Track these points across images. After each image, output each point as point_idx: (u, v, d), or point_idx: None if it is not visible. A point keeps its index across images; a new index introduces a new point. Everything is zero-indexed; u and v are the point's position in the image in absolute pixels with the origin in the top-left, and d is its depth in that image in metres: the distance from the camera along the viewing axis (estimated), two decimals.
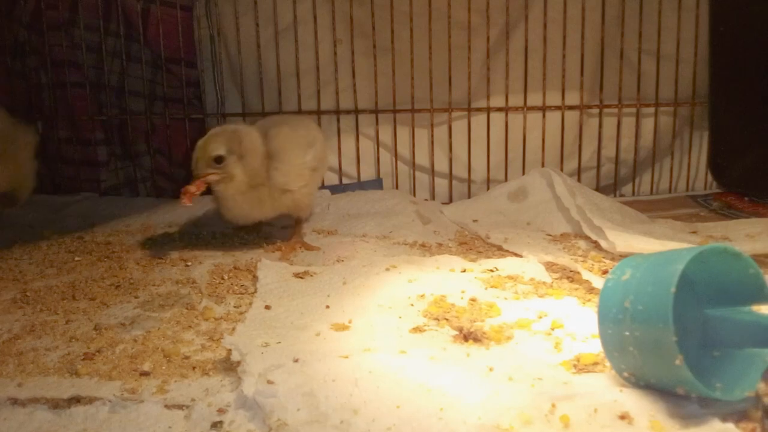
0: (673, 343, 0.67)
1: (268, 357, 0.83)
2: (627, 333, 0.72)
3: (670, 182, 1.89)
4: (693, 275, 0.80)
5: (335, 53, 1.82)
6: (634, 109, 1.85)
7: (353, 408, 0.71)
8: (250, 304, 1.07)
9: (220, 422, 0.72)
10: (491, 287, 1.11)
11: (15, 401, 0.79)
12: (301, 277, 1.19)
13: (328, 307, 1.04)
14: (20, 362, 0.90)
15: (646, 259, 0.77)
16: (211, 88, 1.88)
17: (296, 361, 0.82)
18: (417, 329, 0.94)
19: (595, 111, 1.86)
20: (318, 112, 1.83)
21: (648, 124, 1.87)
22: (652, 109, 1.85)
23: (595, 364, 0.82)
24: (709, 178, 1.88)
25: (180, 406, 0.77)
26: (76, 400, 0.78)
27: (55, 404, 0.78)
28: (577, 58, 1.81)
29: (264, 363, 0.80)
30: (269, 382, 0.76)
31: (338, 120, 1.84)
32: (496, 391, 0.74)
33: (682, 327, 0.80)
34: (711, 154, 1.85)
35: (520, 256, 1.28)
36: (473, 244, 1.44)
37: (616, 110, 1.85)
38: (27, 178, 1.54)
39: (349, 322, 0.97)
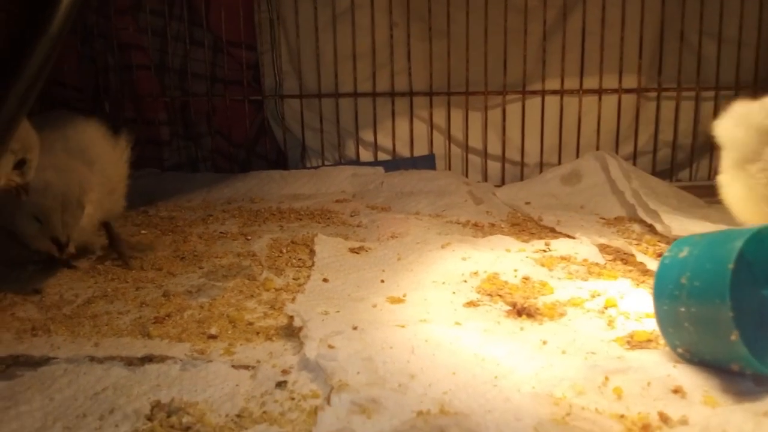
0: (730, 318, 0.68)
1: (328, 324, 0.86)
2: (683, 309, 0.73)
3: None
4: (750, 255, 0.79)
5: (391, 36, 1.84)
6: (693, 93, 1.82)
7: (410, 373, 0.74)
8: (308, 276, 1.11)
9: (285, 382, 0.76)
10: (544, 267, 1.12)
11: (92, 358, 0.85)
12: (357, 252, 1.22)
13: (383, 281, 1.07)
14: (95, 324, 0.96)
15: (704, 238, 0.78)
16: (270, 71, 1.93)
17: (355, 328, 0.85)
18: (471, 304, 0.97)
19: (653, 95, 1.84)
20: (374, 94, 1.86)
21: (707, 109, 1.83)
22: (711, 93, 1.82)
23: (649, 341, 0.83)
24: None
25: (246, 367, 0.81)
26: (149, 359, 0.84)
27: (130, 362, 0.84)
28: (635, 41, 1.78)
29: (325, 329, 0.84)
30: (330, 346, 0.79)
31: (393, 102, 1.86)
32: (550, 363, 0.76)
33: (739, 306, 0.81)
34: None
35: (573, 238, 1.28)
36: (525, 226, 1.45)
37: (674, 94, 1.82)
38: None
39: (404, 295, 1.00)
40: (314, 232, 1.34)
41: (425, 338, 0.81)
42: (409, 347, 0.79)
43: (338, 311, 0.93)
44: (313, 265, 1.17)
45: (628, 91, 1.82)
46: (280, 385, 0.76)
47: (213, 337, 0.89)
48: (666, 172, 1.85)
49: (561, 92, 1.82)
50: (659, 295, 0.77)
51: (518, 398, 0.68)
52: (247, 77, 1.92)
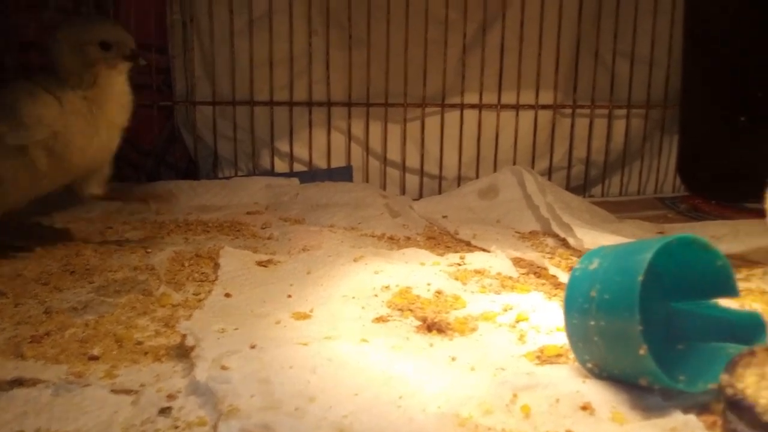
0: (638, 332, 0.66)
1: (224, 343, 0.80)
2: (592, 323, 0.71)
3: (639, 184, 1.90)
4: (660, 267, 0.78)
5: (310, 44, 1.79)
6: (606, 111, 1.86)
7: (309, 395, 0.68)
8: (210, 291, 1.04)
9: (169, 408, 0.69)
10: (457, 280, 1.09)
11: None
12: (265, 266, 1.16)
13: (290, 296, 1.01)
14: None
15: (614, 249, 0.76)
16: (182, 76, 1.84)
17: (253, 347, 0.79)
18: (380, 319, 0.92)
19: (568, 111, 1.86)
20: (290, 104, 1.80)
21: (620, 126, 1.87)
22: (624, 111, 1.86)
23: (559, 356, 0.80)
24: (678, 181, 1.89)
25: (128, 391, 0.73)
26: (18, 383, 0.75)
27: None
28: (552, 58, 1.81)
29: (219, 349, 0.77)
30: (223, 367, 0.73)
31: (310, 112, 1.81)
32: (458, 380, 0.72)
33: (648, 319, 0.79)
34: (680, 158, 1.86)
35: (488, 252, 1.26)
36: (441, 239, 1.42)
37: (588, 111, 1.85)
38: None
39: (311, 311, 0.95)
40: (221, 245, 1.26)
41: (328, 357, 0.76)
42: (311, 367, 0.74)
43: (237, 329, 0.86)
44: (216, 279, 1.10)
45: (545, 107, 1.83)
46: (164, 411, 0.68)
47: (94, 358, 0.81)
48: (579, 187, 1.87)
49: (479, 106, 1.82)
50: (569, 308, 0.75)
51: (422, 419, 0.64)
52: (157, 82, 1.83)
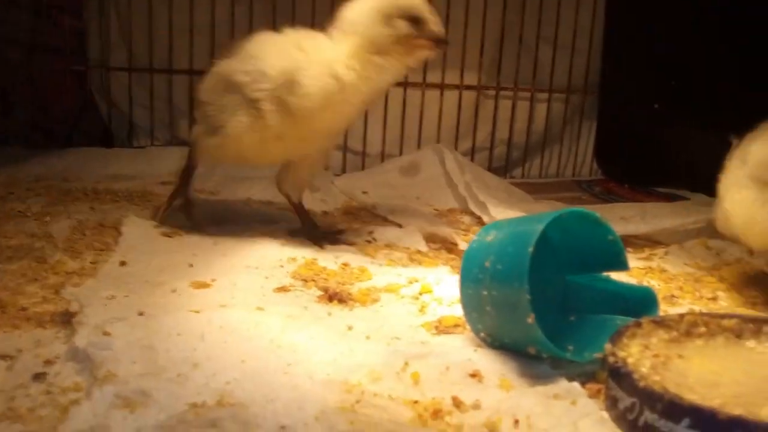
0: (527, 301, 0.66)
1: (110, 309, 0.77)
2: (485, 292, 0.71)
3: (558, 167, 1.93)
4: (556, 242, 0.80)
5: (233, 13, 1.74)
6: (528, 94, 1.88)
7: (194, 362, 0.66)
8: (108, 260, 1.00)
9: (44, 374, 0.66)
10: (366, 254, 1.08)
11: None
12: (170, 236, 1.12)
13: (191, 265, 0.98)
14: None
15: (510, 222, 0.77)
16: (96, 40, 1.76)
17: (141, 314, 0.76)
18: (282, 289, 0.90)
19: (492, 93, 1.87)
20: None
21: (541, 110, 1.90)
22: (545, 95, 1.89)
23: (456, 326, 0.81)
24: (595, 165, 1.93)
25: (4, 357, 0.69)
26: None
27: None
28: (477, 40, 1.81)
29: (104, 315, 0.74)
30: (105, 333, 0.70)
31: None
32: (351, 349, 0.71)
33: (542, 291, 0.81)
34: (597, 143, 1.91)
35: (401, 227, 1.26)
36: (359, 214, 1.41)
37: (511, 93, 1.87)
38: None
39: (212, 280, 0.92)
40: (127, 215, 1.21)
41: (220, 324, 0.74)
42: (199, 334, 0.71)
43: (127, 296, 0.83)
44: (117, 248, 1.06)
45: (469, 87, 1.84)
46: (39, 377, 0.65)
47: None
48: (501, 168, 1.89)
49: (405, 84, 1.81)
50: (465, 279, 0.75)
51: (307, 386, 0.63)
52: (71, 45, 1.74)
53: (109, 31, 1.75)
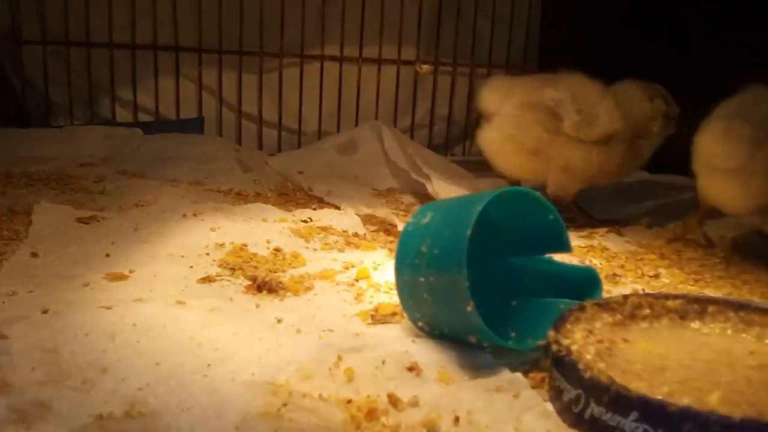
0: (465, 288, 0.62)
1: (9, 307, 0.69)
2: (422, 279, 0.67)
3: None
4: (496, 222, 0.76)
5: None
6: (467, 69, 1.84)
7: (103, 366, 0.60)
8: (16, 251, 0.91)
9: None
10: (301, 238, 1.02)
11: None
12: (86, 223, 1.04)
13: (108, 255, 0.91)
14: None
15: (447, 203, 0.72)
16: (5, 10, 1.62)
17: (45, 312, 0.69)
18: (206, 279, 0.84)
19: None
20: (133, 47, 1.64)
21: (481, 86, 1.86)
22: (485, 71, 1.85)
23: (394, 314, 0.76)
24: None
25: None
26: None
27: None
28: (414, 14, 1.76)
29: (2, 314, 0.66)
30: (2, 336, 0.62)
31: (155, 57, 1.66)
32: (278, 344, 0.66)
33: (483, 275, 0.77)
34: None
35: (338, 209, 1.20)
36: (294, 196, 1.35)
37: (450, 69, 1.83)
38: None
39: (130, 271, 0.85)
40: (40, 200, 1.12)
41: (133, 322, 0.67)
42: (110, 333, 0.65)
43: (31, 291, 0.75)
44: (27, 237, 0.97)
45: (407, 62, 1.79)
46: None
47: None
48: (441, 146, 1.85)
49: (340, 59, 1.75)
50: (400, 264, 0.70)
51: (228, 389, 0.57)
52: None
53: (19, 1, 1.62)
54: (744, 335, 0.68)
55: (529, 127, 1.16)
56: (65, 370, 0.59)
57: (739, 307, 0.70)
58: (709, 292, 0.90)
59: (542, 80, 1.22)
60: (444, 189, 1.25)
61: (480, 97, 1.23)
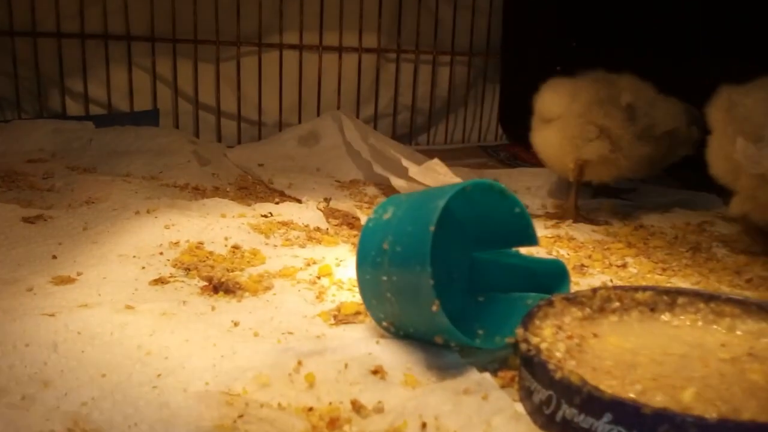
0: (430, 287, 0.59)
1: None
2: (385, 278, 0.64)
3: (464, 133, 1.89)
4: (462, 216, 0.73)
5: None
6: (430, 57, 1.81)
7: (45, 379, 0.56)
8: None
9: None
10: (260, 234, 0.99)
11: None
12: (32, 222, 0.98)
13: (55, 257, 0.86)
14: None
15: (409, 197, 0.69)
16: None
17: None
18: (159, 281, 0.80)
19: (393, 56, 1.79)
20: (82, 36, 1.57)
21: (444, 74, 1.84)
22: (448, 58, 1.83)
23: (357, 314, 0.73)
24: (500, 130, 1.90)
25: None
26: None
27: None
28: (375, 0, 1.72)
29: None
30: None
31: (106, 46, 1.59)
32: (234, 350, 0.62)
33: (448, 271, 0.74)
34: (501, 107, 1.87)
35: (300, 202, 1.17)
36: (254, 189, 1.31)
37: (413, 56, 1.80)
38: None
39: (78, 274, 0.80)
40: None
41: (77, 330, 0.63)
42: (52, 343, 0.60)
43: None
44: None
45: (369, 50, 1.75)
46: None
47: None
48: (406, 135, 1.83)
49: (300, 47, 1.70)
50: (361, 262, 0.67)
51: (180, 402, 0.53)
52: None
53: None
54: (715, 326, 0.67)
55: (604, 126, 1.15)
56: (3, 385, 0.55)
57: (709, 298, 0.68)
58: (678, 281, 0.89)
59: (604, 81, 1.22)
60: (417, 171, 1.21)
61: (542, 99, 1.23)
